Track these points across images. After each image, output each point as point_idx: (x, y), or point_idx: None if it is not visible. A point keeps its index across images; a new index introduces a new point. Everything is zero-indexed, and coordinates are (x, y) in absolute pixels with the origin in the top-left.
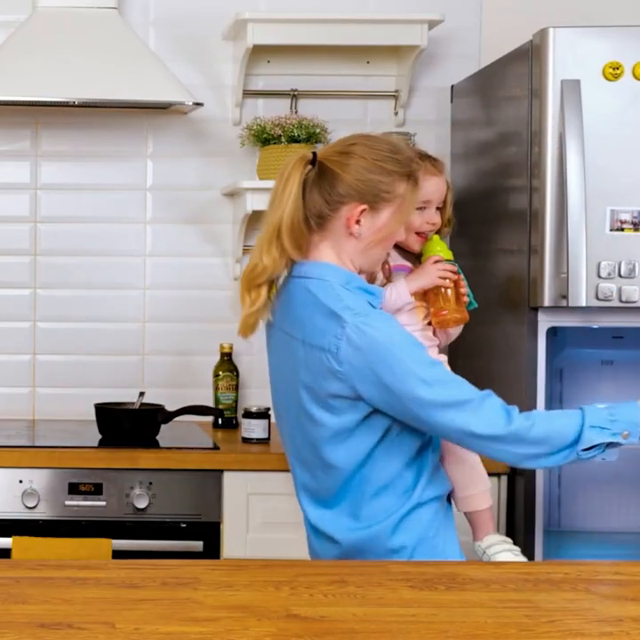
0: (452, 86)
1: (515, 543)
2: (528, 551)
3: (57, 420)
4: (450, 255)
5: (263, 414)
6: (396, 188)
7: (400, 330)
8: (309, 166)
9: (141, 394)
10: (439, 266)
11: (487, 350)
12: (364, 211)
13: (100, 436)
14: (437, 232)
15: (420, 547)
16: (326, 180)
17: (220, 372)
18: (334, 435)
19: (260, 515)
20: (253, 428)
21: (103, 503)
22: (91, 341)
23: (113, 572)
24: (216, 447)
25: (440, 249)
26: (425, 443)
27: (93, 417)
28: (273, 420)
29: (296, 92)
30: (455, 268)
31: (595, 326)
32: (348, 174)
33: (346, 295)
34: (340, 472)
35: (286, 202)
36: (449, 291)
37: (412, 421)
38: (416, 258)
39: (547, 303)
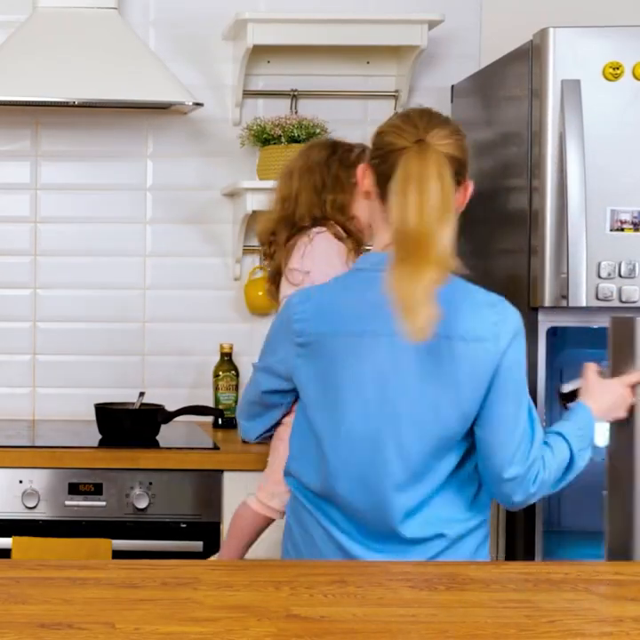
0: (452, 86)
1: (515, 543)
2: (528, 551)
3: (57, 419)
4: None
5: None
6: None
7: None
8: None
9: (141, 394)
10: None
11: None
12: None
13: (100, 436)
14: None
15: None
16: None
17: (220, 372)
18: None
19: None
20: None
21: (103, 503)
22: (91, 341)
23: (113, 571)
24: (216, 447)
25: None
26: None
27: (93, 417)
28: None
29: (296, 92)
30: None
31: (595, 326)
32: None
33: None
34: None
35: None
36: None
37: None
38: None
39: (547, 303)
